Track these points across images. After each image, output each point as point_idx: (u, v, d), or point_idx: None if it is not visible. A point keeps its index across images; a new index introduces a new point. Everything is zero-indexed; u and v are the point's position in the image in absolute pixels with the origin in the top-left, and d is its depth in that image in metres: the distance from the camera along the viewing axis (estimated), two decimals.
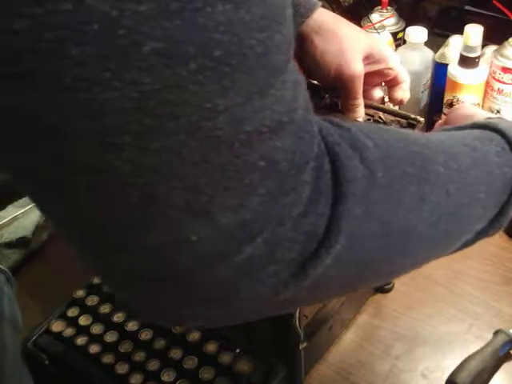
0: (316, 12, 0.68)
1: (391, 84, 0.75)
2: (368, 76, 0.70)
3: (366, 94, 0.72)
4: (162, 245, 0.28)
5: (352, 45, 0.68)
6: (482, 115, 0.56)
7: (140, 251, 0.29)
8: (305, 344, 0.64)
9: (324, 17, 0.69)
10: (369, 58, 0.70)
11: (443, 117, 0.91)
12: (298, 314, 0.63)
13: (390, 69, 0.73)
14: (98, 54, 0.23)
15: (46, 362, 0.70)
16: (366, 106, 0.72)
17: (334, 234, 0.31)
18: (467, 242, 0.45)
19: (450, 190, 0.38)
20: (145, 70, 0.24)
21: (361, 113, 0.71)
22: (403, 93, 0.75)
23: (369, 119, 0.72)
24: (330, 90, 0.73)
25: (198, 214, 0.27)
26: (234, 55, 0.26)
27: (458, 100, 0.88)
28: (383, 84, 0.76)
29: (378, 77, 0.73)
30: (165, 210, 0.27)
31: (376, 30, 0.99)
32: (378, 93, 0.76)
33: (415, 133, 0.43)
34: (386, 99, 0.78)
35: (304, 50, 0.69)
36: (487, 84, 0.88)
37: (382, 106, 0.76)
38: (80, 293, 0.76)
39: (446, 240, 0.41)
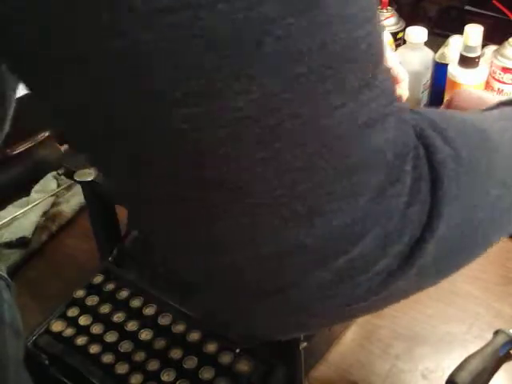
0: None
1: None
2: None
3: None
4: (271, 255, 0.28)
5: None
6: (488, 97, 0.56)
7: (250, 263, 0.28)
8: (305, 344, 0.64)
9: None
10: None
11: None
12: None
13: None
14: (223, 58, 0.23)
15: (46, 362, 0.70)
16: None
17: (435, 219, 0.31)
18: None
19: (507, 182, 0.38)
20: (267, 71, 0.24)
21: None
22: (402, 92, 0.75)
23: None
24: None
25: (310, 219, 0.27)
26: (348, 49, 0.26)
27: None
28: None
29: None
30: (271, 220, 0.27)
31: None
32: None
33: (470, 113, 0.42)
34: None
35: None
36: (487, 84, 0.88)
37: None
38: (80, 293, 0.76)
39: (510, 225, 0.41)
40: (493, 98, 0.55)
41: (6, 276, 0.57)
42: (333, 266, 0.29)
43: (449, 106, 0.59)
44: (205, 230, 0.28)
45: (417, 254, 0.31)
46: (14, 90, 0.44)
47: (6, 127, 0.45)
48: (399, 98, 0.31)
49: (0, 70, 0.39)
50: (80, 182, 0.70)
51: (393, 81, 0.30)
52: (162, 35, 0.23)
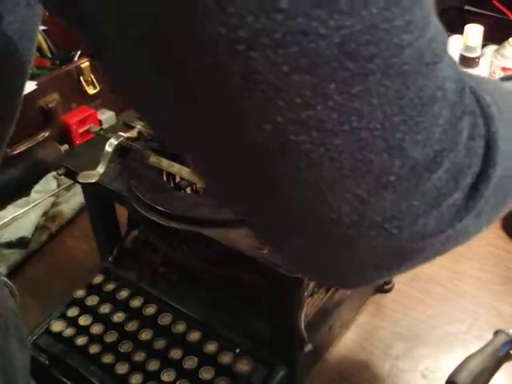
0: None
1: None
2: None
3: None
4: (366, 190, 0.29)
5: None
6: None
7: (344, 200, 0.29)
8: (310, 346, 0.65)
9: None
10: None
11: None
12: (302, 317, 0.63)
13: None
14: (307, 8, 0.24)
15: (46, 362, 0.70)
16: None
17: (494, 153, 0.32)
18: None
19: None
20: (345, 13, 0.25)
21: None
22: None
23: None
24: None
25: (395, 154, 0.28)
26: None
27: None
28: None
29: None
30: (367, 155, 0.28)
31: None
32: None
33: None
34: None
35: None
36: None
37: None
38: (80, 293, 0.76)
39: None
40: None
41: (9, 283, 0.56)
42: (418, 196, 0.30)
43: None
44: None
45: (484, 186, 0.32)
46: (23, 85, 0.44)
47: (13, 126, 0.45)
48: None
49: (13, 63, 0.40)
50: (83, 184, 0.70)
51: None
52: None
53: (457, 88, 0.30)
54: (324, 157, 0.28)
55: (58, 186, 0.99)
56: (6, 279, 0.56)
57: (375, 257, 0.33)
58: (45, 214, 0.94)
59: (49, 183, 0.99)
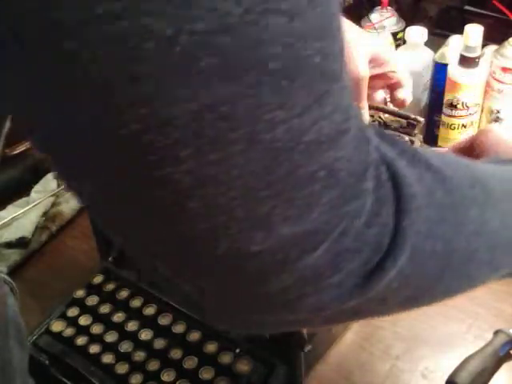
0: None
1: (393, 87, 0.75)
2: (371, 79, 0.70)
3: (369, 97, 0.72)
4: (226, 255, 0.28)
5: (359, 46, 0.68)
6: None
7: (207, 261, 0.29)
8: (309, 347, 0.65)
9: None
10: (374, 61, 0.70)
11: (443, 118, 0.91)
12: None
13: (393, 72, 0.73)
14: (154, 72, 0.23)
15: (46, 362, 0.70)
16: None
17: (398, 246, 0.31)
18: None
19: (506, 220, 0.38)
20: (202, 86, 0.24)
21: (365, 116, 0.71)
22: (405, 96, 0.75)
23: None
24: None
25: (259, 226, 0.27)
26: (291, 67, 0.25)
27: (457, 100, 0.88)
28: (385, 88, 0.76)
29: (382, 80, 0.73)
30: (226, 221, 0.27)
31: (376, 29, 0.99)
32: (380, 95, 0.76)
33: (469, 160, 0.42)
34: (388, 99, 0.78)
35: None
36: (487, 84, 0.88)
37: (382, 106, 0.76)
38: (80, 293, 0.76)
39: (499, 267, 0.41)
40: None
41: (9, 280, 0.56)
42: (290, 271, 0.29)
43: (471, 142, 0.57)
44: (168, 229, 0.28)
45: (377, 276, 0.31)
46: None
47: (8, 122, 0.45)
48: (360, 117, 0.30)
49: None
50: None
51: (352, 96, 0.30)
52: None
53: (354, 170, 0.29)
54: (178, 216, 0.27)
55: (58, 185, 0.99)
56: (6, 276, 0.56)
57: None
58: (45, 213, 0.94)
59: (49, 183, 0.99)
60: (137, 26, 0.23)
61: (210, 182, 0.26)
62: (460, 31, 0.87)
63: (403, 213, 0.31)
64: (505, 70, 0.85)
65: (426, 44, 0.96)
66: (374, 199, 0.30)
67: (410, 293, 0.35)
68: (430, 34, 0.97)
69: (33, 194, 0.97)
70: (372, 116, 0.73)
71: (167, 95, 0.24)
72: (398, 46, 1.04)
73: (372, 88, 0.72)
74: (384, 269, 0.31)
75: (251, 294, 0.30)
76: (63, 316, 0.74)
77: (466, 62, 0.86)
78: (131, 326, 0.71)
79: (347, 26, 0.70)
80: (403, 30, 1.03)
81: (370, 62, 0.70)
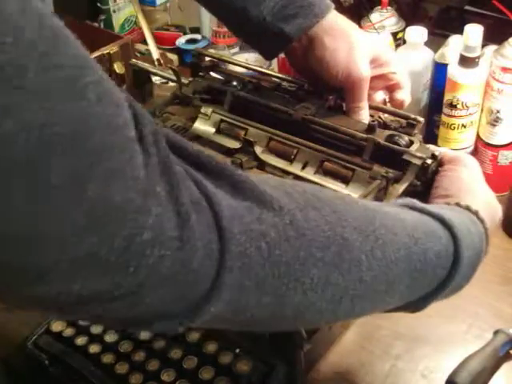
0: (330, 13, 0.68)
1: (393, 88, 0.75)
2: (372, 79, 0.70)
3: (369, 98, 0.72)
4: None
5: (360, 47, 0.69)
6: (472, 191, 0.56)
7: None
8: (309, 346, 0.64)
9: (335, 17, 0.70)
10: (375, 62, 0.71)
11: (443, 118, 0.91)
12: None
13: (393, 73, 0.73)
14: None
15: (46, 362, 0.70)
16: None
17: (218, 292, 0.33)
18: (399, 308, 0.48)
19: (364, 277, 0.39)
20: None
21: (365, 116, 0.71)
22: (405, 96, 0.75)
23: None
24: (335, 92, 0.73)
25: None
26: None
27: (457, 100, 0.88)
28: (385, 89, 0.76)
29: (382, 80, 0.74)
30: None
31: (376, 29, 0.99)
32: (379, 95, 0.76)
33: (364, 206, 0.43)
34: (387, 100, 0.78)
35: (311, 52, 0.69)
36: (487, 84, 0.88)
37: (381, 106, 0.76)
38: None
39: (350, 313, 0.43)
40: (475, 195, 0.55)
41: None
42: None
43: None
44: None
45: (204, 307, 0.33)
46: None
47: None
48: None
49: None
50: None
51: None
52: None
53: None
54: None
55: None
56: None
57: None
58: None
59: None
60: None
61: None
62: (460, 31, 0.87)
63: (223, 269, 0.32)
64: (505, 70, 0.85)
65: (426, 44, 0.96)
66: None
67: (244, 325, 0.38)
68: (430, 34, 0.97)
69: None
70: (372, 116, 0.73)
71: None
72: (397, 45, 1.04)
73: (372, 89, 0.73)
74: (208, 303, 0.33)
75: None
76: None
77: (465, 62, 0.86)
78: None
79: (351, 28, 0.70)
80: (403, 30, 1.03)
81: (371, 62, 0.70)
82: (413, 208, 0.48)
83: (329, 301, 0.38)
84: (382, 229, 0.41)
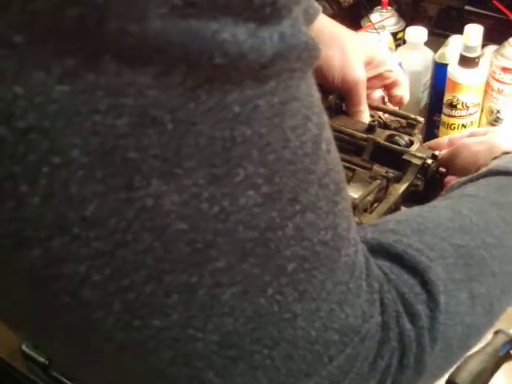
0: (318, 18, 0.67)
1: (391, 86, 0.75)
2: (369, 80, 0.70)
3: (367, 97, 0.72)
4: None
5: (353, 50, 0.68)
6: (487, 152, 0.55)
7: None
8: None
9: (324, 21, 0.68)
10: (370, 63, 0.70)
11: (443, 118, 0.91)
12: None
13: (390, 71, 0.73)
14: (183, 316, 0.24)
15: (46, 362, 0.70)
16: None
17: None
18: None
19: (495, 270, 0.37)
20: (227, 314, 0.24)
21: (366, 118, 0.71)
22: (403, 92, 0.75)
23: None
24: (334, 92, 0.73)
25: None
26: (307, 260, 0.26)
27: (457, 100, 0.88)
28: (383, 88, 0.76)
29: (379, 80, 0.73)
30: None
31: (376, 29, 0.99)
32: (378, 93, 0.76)
33: (447, 211, 0.41)
34: (386, 99, 0.78)
35: None
36: (487, 84, 0.88)
37: (381, 106, 0.76)
38: None
39: (497, 315, 0.41)
40: (491, 151, 0.54)
41: None
42: None
43: (451, 156, 0.62)
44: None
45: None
46: None
47: None
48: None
49: None
50: None
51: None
52: None
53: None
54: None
55: None
56: None
57: None
58: None
59: None
60: None
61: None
62: (460, 31, 0.87)
63: (421, 347, 0.33)
64: (505, 70, 0.85)
65: (426, 44, 0.96)
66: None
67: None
68: (430, 34, 0.97)
69: None
70: (372, 116, 0.73)
71: (192, 334, 0.25)
72: (397, 45, 1.04)
73: (370, 88, 0.73)
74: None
75: None
76: None
77: (465, 61, 0.86)
78: None
79: (341, 31, 0.70)
80: (403, 30, 1.03)
81: (366, 64, 0.70)
82: (462, 184, 0.46)
83: (482, 316, 0.37)
84: (474, 218, 0.39)
